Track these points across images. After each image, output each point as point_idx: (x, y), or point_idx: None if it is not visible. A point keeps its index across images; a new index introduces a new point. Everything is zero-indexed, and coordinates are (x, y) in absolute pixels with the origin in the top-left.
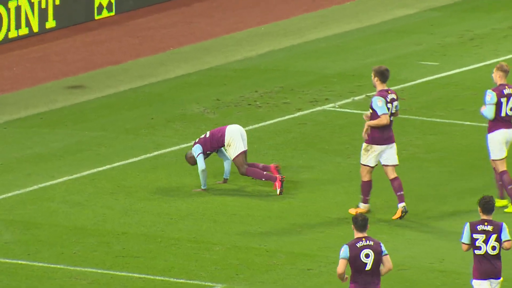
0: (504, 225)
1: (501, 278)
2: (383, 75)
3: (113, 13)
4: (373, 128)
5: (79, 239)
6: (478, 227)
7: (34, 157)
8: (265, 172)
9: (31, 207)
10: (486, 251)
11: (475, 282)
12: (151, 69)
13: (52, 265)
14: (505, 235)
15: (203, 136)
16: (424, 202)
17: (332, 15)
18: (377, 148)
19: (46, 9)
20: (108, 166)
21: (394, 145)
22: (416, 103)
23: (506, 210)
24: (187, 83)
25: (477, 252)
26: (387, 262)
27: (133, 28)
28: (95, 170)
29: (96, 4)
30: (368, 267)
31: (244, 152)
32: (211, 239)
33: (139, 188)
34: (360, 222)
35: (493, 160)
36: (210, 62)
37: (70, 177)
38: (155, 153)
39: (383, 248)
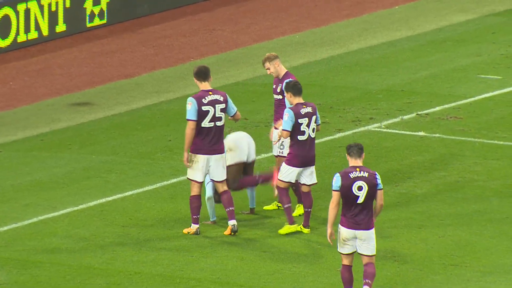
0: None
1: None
2: (201, 73)
3: (104, 21)
4: (196, 135)
5: (85, 279)
6: (301, 111)
7: (33, 185)
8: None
9: (29, 243)
10: (309, 135)
11: (288, 168)
12: (169, 84)
13: None
14: (318, 118)
15: None
16: (484, 238)
17: (378, 21)
18: (200, 158)
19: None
20: (119, 196)
21: (221, 156)
22: (475, 123)
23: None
24: None
25: (300, 137)
26: (379, 197)
27: (147, 37)
28: (104, 200)
29: (88, 12)
30: (360, 200)
31: (243, 164)
32: (237, 280)
33: (154, 221)
34: (355, 149)
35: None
36: (236, 76)
37: (75, 208)
38: (173, 180)
39: (379, 181)
